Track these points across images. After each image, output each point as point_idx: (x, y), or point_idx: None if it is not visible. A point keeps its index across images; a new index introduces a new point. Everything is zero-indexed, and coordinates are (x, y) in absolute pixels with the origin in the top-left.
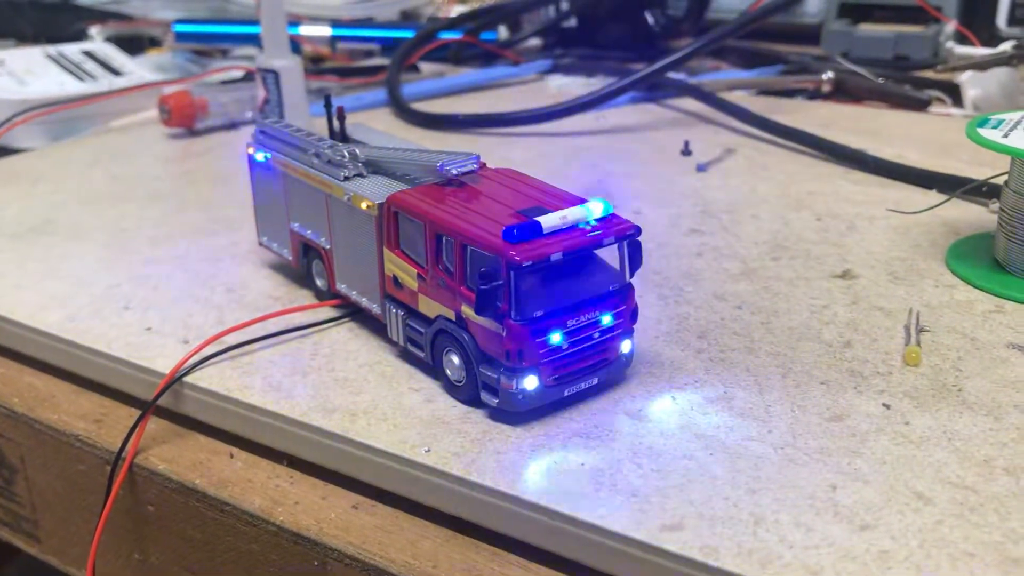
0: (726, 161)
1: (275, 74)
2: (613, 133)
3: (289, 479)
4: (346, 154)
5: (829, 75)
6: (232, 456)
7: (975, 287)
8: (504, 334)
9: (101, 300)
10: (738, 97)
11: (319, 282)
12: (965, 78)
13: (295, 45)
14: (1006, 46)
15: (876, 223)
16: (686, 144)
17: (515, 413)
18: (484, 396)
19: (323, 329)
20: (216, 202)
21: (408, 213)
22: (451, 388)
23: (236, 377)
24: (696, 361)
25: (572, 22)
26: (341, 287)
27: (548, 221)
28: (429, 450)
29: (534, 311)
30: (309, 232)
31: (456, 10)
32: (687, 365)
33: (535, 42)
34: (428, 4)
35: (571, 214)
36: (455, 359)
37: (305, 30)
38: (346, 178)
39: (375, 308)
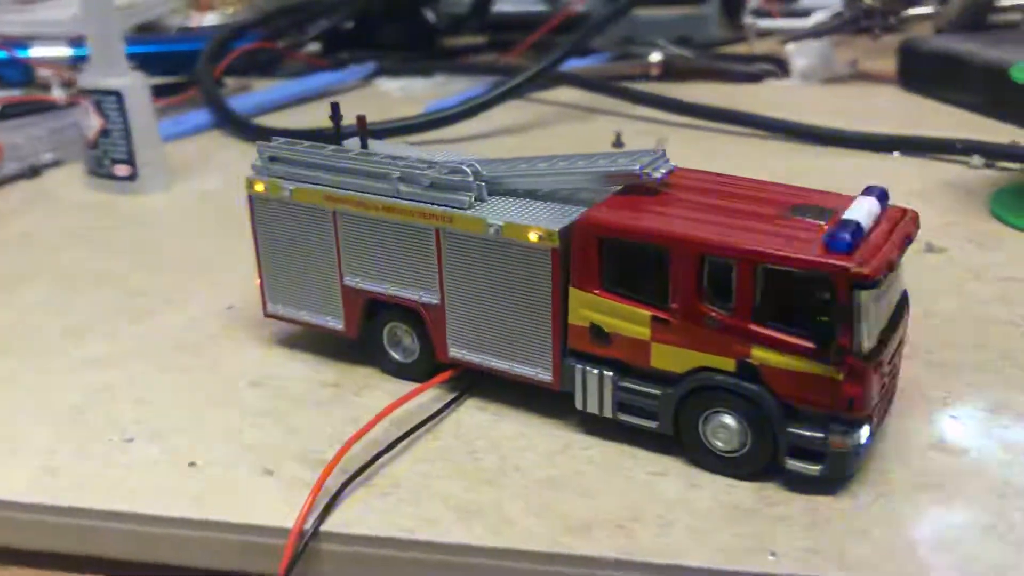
0: (671, 149)
1: (117, 96)
2: (517, 133)
3: None
4: (468, 172)
5: (658, 58)
6: None
7: None
8: (842, 377)
9: (82, 436)
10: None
11: (396, 354)
12: (791, 49)
13: (28, 69)
14: (820, 16)
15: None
16: (618, 136)
17: (821, 480)
18: (791, 464)
19: (446, 416)
20: (109, 270)
21: (633, 237)
22: (716, 463)
23: (405, 511)
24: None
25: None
26: (459, 354)
27: (864, 221)
28: (775, 554)
29: (873, 341)
30: (388, 287)
31: (208, 19)
32: (921, 379)
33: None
34: (172, 14)
35: (870, 209)
36: (731, 422)
37: (38, 51)
38: (470, 205)
39: (537, 373)
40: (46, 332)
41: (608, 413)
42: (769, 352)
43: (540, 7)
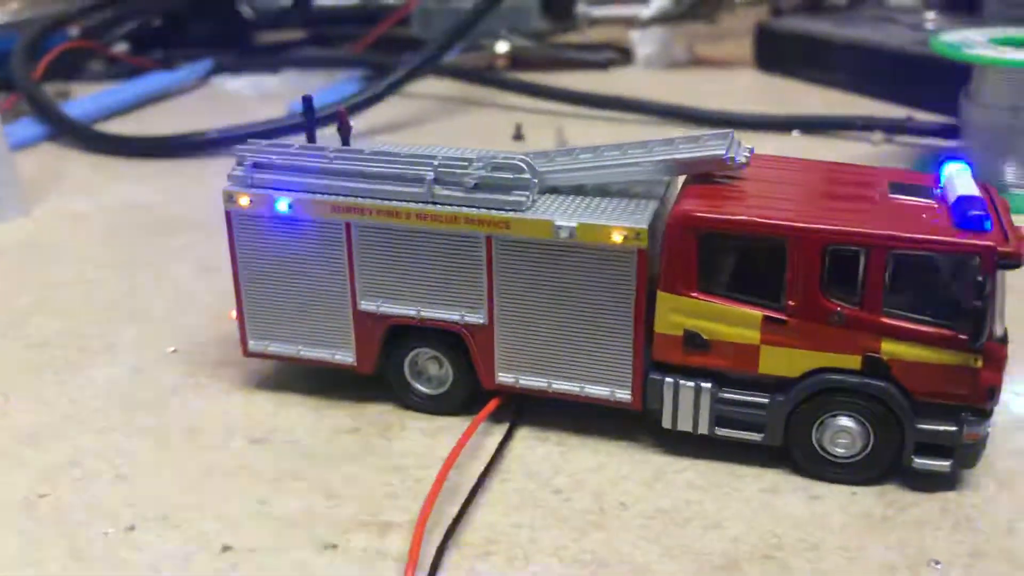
0: (573, 139)
1: None
2: (404, 129)
3: None
4: (525, 168)
5: (504, 48)
6: None
7: None
8: (980, 365)
9: (66, 537)
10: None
11: (423, 386)
12: (635, 37)
13: None
14: (663, 3)
15: None
16: (518, 128)
17: (932, 475)
18: (918, 463)
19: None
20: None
21: (742, 230)
22: (833, 470)
23: (517, 574)
24: None
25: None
26: (509, 379)
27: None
28: (939, 563)
29: (1004, 324)
30: (419, 309)
31: None
32: None
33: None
34: None
35: (972, 183)
36: (852, 425)
37: None
38: (529, 206)
39: (613, 393)
40: None
41: (704, 430)
42: (901, 345)
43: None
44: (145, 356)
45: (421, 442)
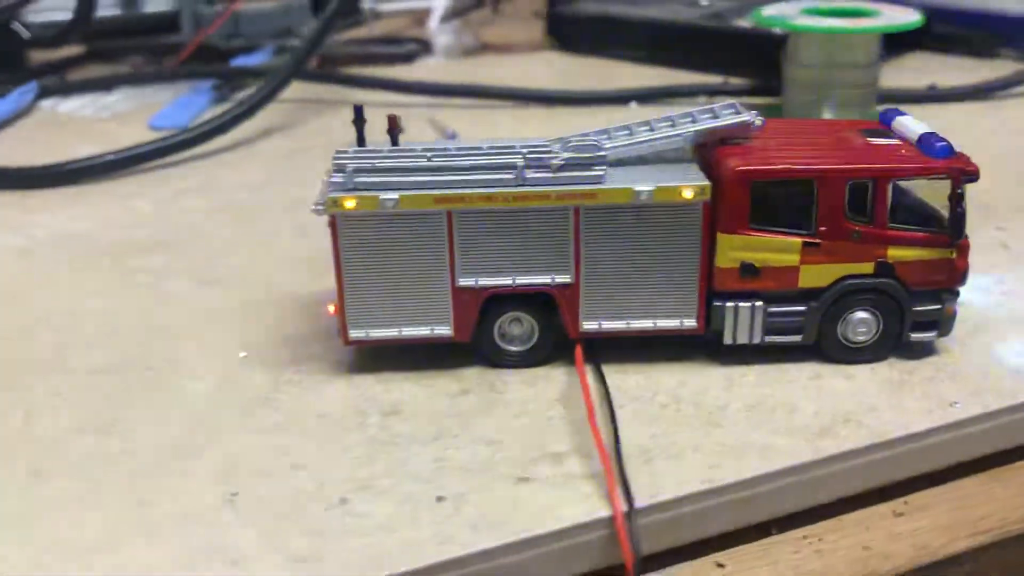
0: (454, 127)
1: None
2: (281, 134)
3: None
4: (600, 147)
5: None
6: None
7: None
8: (954, 256)
9: (295, 512)
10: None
11: (512, 347)
12: (434, 28)
13: None
14: None
15: None
16: (390, 121)
17: (920, 345)
18: (915, 336)
19: (611, 385)
20: (45, 358)
21: (785, 176)
22: (854, 355)
23: (688, 468)
24: None
25: None
26: (593, 325)
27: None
28: (957, 403)
29: None
30: (514, 278)
31: None
32: None
33: None
34: None
35: (915, 124)
36: (866, 316)
37: None
38: (605, 178)
39: (682, 323)
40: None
41: (757, 340)
42: (902, 249)
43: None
44: (219, 365)
45: (527, 391)
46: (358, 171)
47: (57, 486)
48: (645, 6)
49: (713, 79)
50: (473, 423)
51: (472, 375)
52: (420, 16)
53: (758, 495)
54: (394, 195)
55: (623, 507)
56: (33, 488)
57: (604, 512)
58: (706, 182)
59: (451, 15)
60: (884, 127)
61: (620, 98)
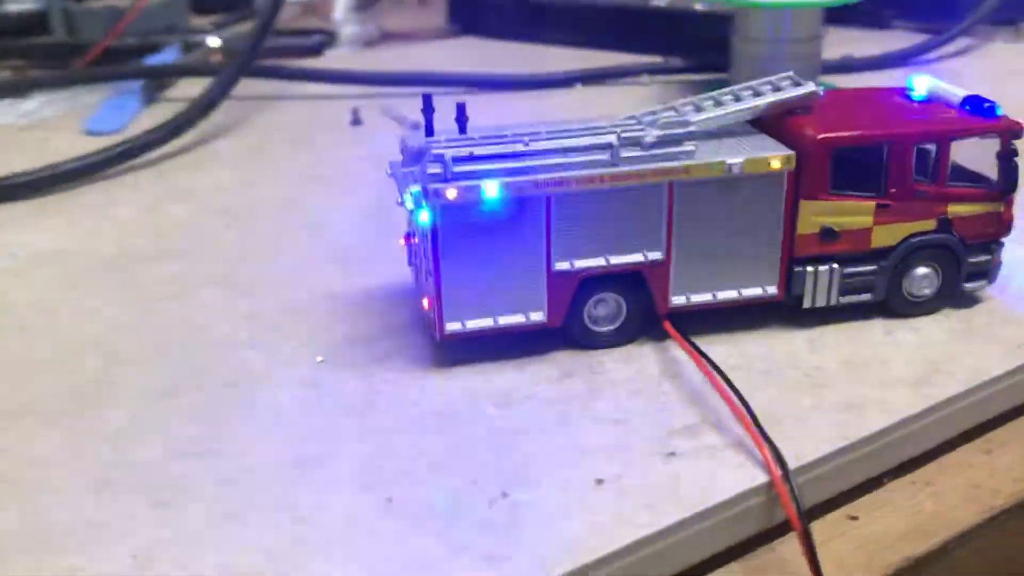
0: (412, 117)
1: None
2: (237, 132)
3: None
4: (690, 123)
5: (217, 43)
6: None
7: None
8: (1003, 209)
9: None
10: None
11: (604, 327)
12: (339, 19)
13: None
14: None
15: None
16: (354, 113)
17: (964, 296)
18: (968, 286)
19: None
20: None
21: (863, 142)
22: (918, 309)
23: (821, 425)
24: None
25: None
26: (681, 300)
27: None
28: (1021, 346)
29: None
30: (607, 258)
31: None
32: None
33: None
34: None
35: (950, 87)
36: (927, 270)
37: None
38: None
39: (764, 290)
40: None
41: (833, 301)
42: (958, 205)
43: None
44: (298, 372)
45: (627, 369)
46: (457, 160)
47: (193, 515)
48: None
49: (635, 59)
50: (591, 405)
51: (563, 358)
52: (314, 6)
53: (883, 447)
54: (495, 182)
55: (778, 471)
56: (167, 519)
57: (763, 478)
58: (791, 152)
59: (357, 4)
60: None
61: (567, 80)
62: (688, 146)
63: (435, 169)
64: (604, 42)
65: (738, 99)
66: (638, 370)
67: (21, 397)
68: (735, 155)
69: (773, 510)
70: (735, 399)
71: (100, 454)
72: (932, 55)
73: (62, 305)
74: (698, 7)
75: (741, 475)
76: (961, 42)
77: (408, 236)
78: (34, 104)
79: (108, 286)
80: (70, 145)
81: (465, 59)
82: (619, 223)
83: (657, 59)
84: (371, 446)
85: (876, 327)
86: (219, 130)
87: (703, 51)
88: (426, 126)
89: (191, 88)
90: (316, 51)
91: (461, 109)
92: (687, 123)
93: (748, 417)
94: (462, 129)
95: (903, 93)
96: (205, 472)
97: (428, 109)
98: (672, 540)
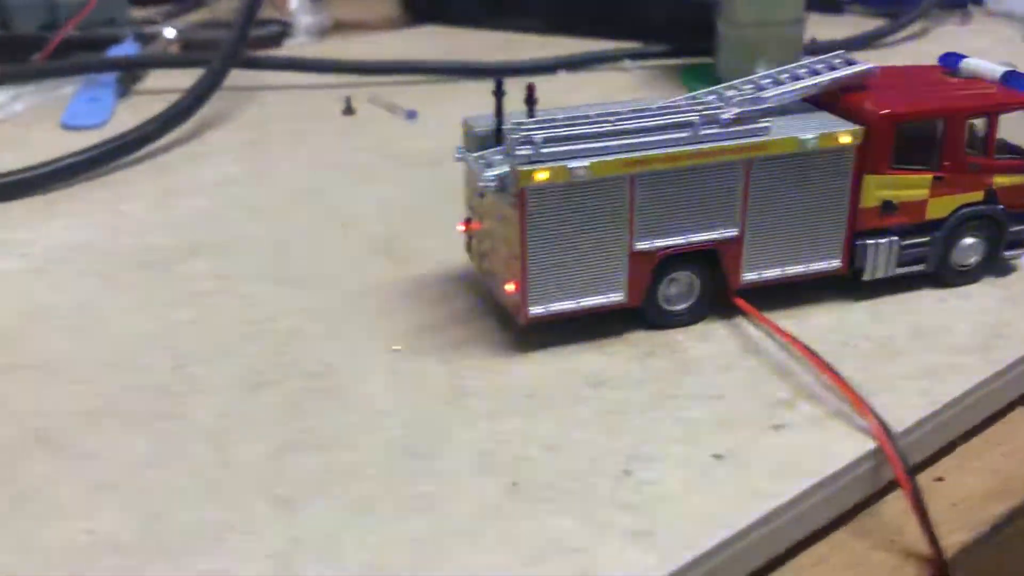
0: (406, 106)
1: None
2: (236, 125)
3: None
4: (767, 99)
5: (172, 34)
6: None
7: None
8: None
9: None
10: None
11: (676, 306)
12: (295, 9)
13: None
14: None
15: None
16: (347, 102)
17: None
18: (1008, 254)
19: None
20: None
21: (922, 117)
22: (964, 278)
23: (908, 391)
24: None
25: None
26: (753, 276)
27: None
28: None
29: None
30: (686, 237)
31: None
32: None
33: None
34: None
35: (984, 63)
36: (974, 240)
37: None
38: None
39: (829, 265)
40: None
41: (891, 272)
42: (1004, 177)
43: None
44: (378, 362)
45: (707, 346)
46: (547, 141)
47: (320, 511)
48: None
49: (608, 46)
50: (683, 383)
51: (639, 339)
52: None
53: (962, 410)
54: (584, 163)
55: (885, 436)
56: (293, 517)
57: (871, 444)
58: (858, 127)
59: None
60: (949, 69)
61: (552, 66)
62: (764, 123)
63: (524, 150)
64: (575, 29)
65: (796, 78)
66: (717, 348)
67: (96, 400)
68: (806, 131)
69: (878, 475)
70: (828, 370)
71: (200, 454)
72: (891, 39)
73: (104, 304)
74: None
75: (851, 443)
76: (915, 25)
77: (468, 222)
78: (1, 98)
79: (146, 283)
80: (51, 141)
81: (435, 48)
82: (697, 201)
83: (633, 45)
84: (478, 432)
85: (927, 297)
86: (206, 123)
87: (684, 35)
88: (496, 109)
89: (161, 81)
90: (275, 42)
91: (531, 91)
92: (762, 100)
93: (846, 386)
94: (531, 111)
95: (941, 70)
96: (317, 466)
97: (499, 92)
98: (799, 510)
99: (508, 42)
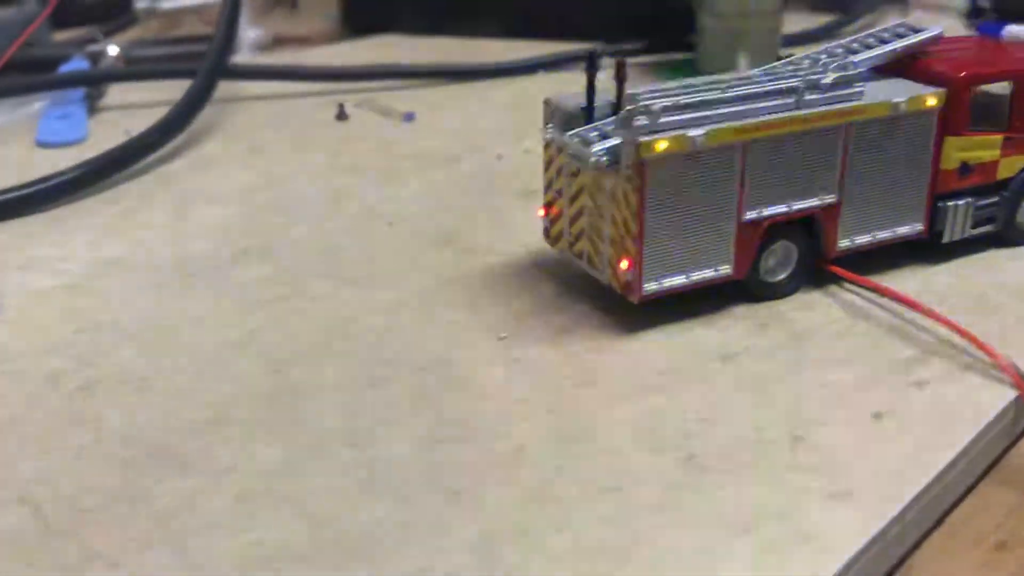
0: (397, 108)
1: None
2: (215, 143)
3: None
4: (859, 64)
5: (116, 51)
6: None
7: None
8: None
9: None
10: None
11: (776, 276)
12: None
13: None
14: None
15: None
16: (340, 108)
17: None
18: None
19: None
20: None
21: (997, 80)
22: (1018, 235)
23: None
24: None
25: None
26: (847, 243)
27: None
28: None
29: None
30: (790, 204)
31: None
32: None
33: None
34: None
35: None
36: None
37: None
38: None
39: (912, 228)
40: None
41: (966, 234)
42: None
43: None
44: (488, 352)
45: (814, 315)
46: (666, 110)
47: (496, 502)
48: None
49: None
50: (808, 350)
51: (744, 312)
52: (198, 12)
53: None
54: (701, 131)
55: None
56: (477, 510)
57: (1012, 394)
58: (942, 89)
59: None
60: (993, 37)
61: (533, 66)
62: (858, 87)
63: (642, 121)
64: (532, 32)
65: (868, 46)
66: (824, 315)
67: (206, 411)
68: (895, 94)
69: (1017, 423)
70: (956, 327)
71: (341, 455)
72: (847, 30)
73: (168, 316)
74: None
75: (994, 393)
76: (865, 18)
77: (549, 205)
78: None
79: (204, 292)
80: (30, 159)
81: (398, 55)
82: (800, 168)
83: (592, 44)
84: (626, 411)
85: (997, 256)
86: (197, 134)
87: (662, 32)
88: (588, 86)
89: (124, 95)
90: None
91: (621, 67)
92: (856, 64)
93: (978, 341)
94: (620, 88)
95: (987, 38)
96: (476, 457)
97: (592, 68)
98: (964, 462)
99: (467, 47)
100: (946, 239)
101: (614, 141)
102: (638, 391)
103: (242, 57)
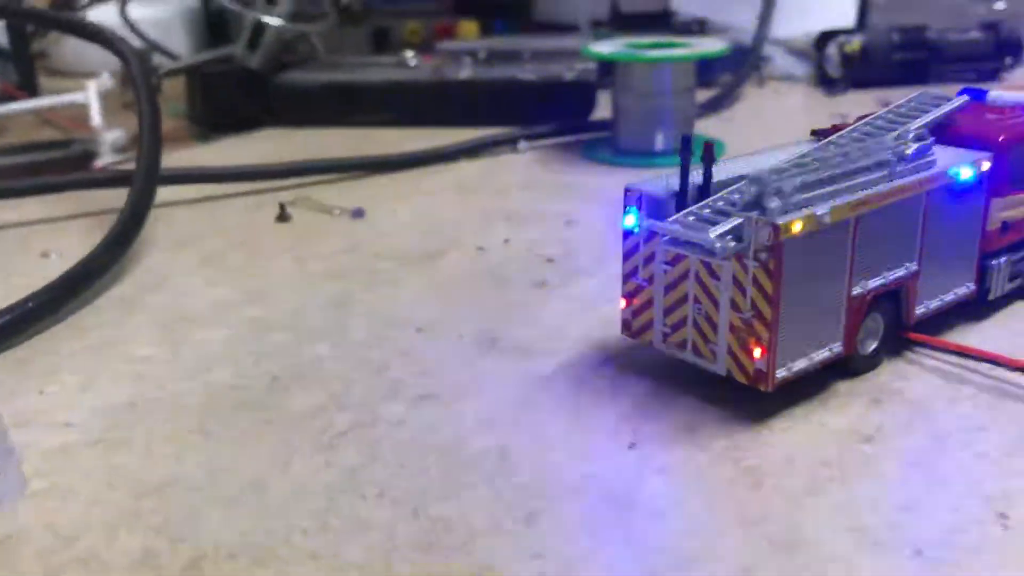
0: (337, 205)
1: None
2: (160, 253)
3: None
4: (927, 135)
5: None
6: None
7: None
8: None
9: None
10: None
11: (867, 349)
12: (97, 125)
13: None
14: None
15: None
16: (282, 208)
17: None
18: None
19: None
20: None
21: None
22: None
23: None
24: None
25: None
26: (922, 310)
27: None
28: None
29: None
30: (886, 276)
31: None
32: None
33: None
34: None
35: None
36: None
37: None
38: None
39: (966, 289)
40: None
41: (1005, 290)
42: None
43: None
44: (625, 463)
45: (915, 384)
46: (798, 190)
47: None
48: (382, 71)
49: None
50: (939, 421)
51: (845, 388)
52: (50, 118)
53: None
54: (825, 208)
55: None
56: None
57: None
58: (989, 153)
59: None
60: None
61: (452, 155)
62: (931, 157)
63: (775, 203)
64: (424, 120)
65: (911, 116)
66: (922, 384)
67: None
68: (957, 161)
69: None
70: None
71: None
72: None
73: (242, 466)
74: (568, 76)
75: None
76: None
77: (631, 296)
78: None
79: (264, 432)
80: None
81: (298, 148)
82: (893, 239)
83: (505, 130)
84: (813, 511)
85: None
86: (131, 251)
87: (572, 115)
88: (682, 171)
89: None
90: (83, 161)
91: (709, 150)
92: (927, 136)
93: None
94: (708, 169)
95: (980, 104)
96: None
97: (687, 151)
98: None
99: (367, 137)
100: (991, 296)
101: (729, 225)
102: (811, 487)
103: (105, 161)
